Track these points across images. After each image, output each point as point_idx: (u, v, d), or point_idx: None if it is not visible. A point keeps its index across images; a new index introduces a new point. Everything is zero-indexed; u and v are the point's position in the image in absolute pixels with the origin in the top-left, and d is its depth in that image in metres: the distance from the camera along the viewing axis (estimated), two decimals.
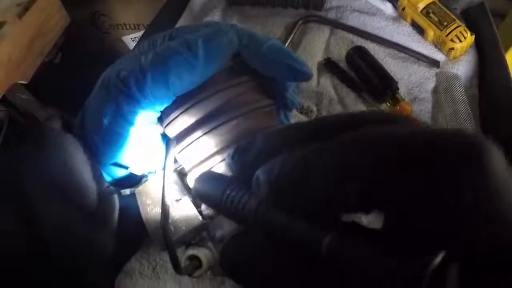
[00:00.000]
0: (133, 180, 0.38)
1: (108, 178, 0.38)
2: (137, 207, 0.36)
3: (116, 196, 0.38)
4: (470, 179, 0.17)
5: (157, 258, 0.49)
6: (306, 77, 0.37)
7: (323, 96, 0.66)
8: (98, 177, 0.35)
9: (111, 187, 0.39)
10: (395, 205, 0.18)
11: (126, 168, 0.37)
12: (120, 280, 0.45)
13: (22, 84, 1.17)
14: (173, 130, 0.36)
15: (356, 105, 0.66)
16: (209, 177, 0.25)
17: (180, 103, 0.35)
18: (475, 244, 0.17)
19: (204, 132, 0.34)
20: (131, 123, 0.34)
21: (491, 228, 0.17)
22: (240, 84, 0.35)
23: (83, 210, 0.32)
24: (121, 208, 0.38)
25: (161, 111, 0.36)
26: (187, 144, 0.35)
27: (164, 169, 0.32)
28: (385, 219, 0.19)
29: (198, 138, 0.34)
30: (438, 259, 0.16)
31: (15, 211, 0.29)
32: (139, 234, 0.40)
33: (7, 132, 1.14)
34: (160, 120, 0.37)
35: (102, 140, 0.35)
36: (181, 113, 0.35)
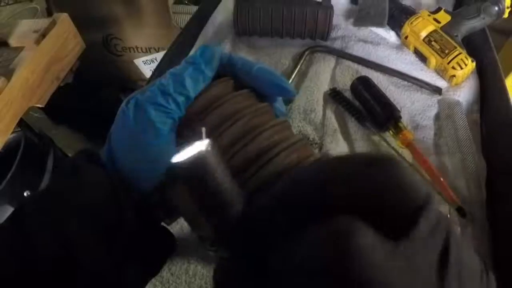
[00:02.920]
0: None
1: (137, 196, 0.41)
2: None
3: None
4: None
5: (170, 280, 0.52)
6: (289, 93, 0.44)
7: (327, 127, 0.68)
8: (126, 206, 0.37)
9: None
10: None
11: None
12: None
13: (39, 107, 1.21)
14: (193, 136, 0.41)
15: (359, 134, 0.68)
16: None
17: (198, 115, 0.41)
18: None
19: (224, 130, 0.40)
20: (163, 135, 0.39)
21: None
22: (243, 94, 0.43)
23: (116, 243, 0.35)
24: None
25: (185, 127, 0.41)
26: None
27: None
28: None
29: (217, 138, 0.39)
30: None
31: (55, 243, 0.32)
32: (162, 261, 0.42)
33: (23, 152, 1.17)
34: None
35: (129, 152, 0.39)
36: (199, 121, 0.41)
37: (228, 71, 0.44)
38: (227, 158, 0.39)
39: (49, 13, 1.71)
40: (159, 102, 0.39)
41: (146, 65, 1.68)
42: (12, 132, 1.16)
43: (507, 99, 0.68)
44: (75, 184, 0.36)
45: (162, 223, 0.43)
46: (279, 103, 0.49)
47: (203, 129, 0.34)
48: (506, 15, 0.82)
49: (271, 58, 0.83)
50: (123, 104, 0.39)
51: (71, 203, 0.34)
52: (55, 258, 0.32)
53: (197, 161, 0.26)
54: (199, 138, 0.33)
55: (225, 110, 0.41)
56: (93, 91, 1.73)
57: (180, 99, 0.40)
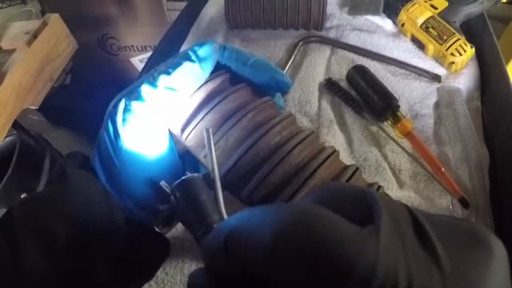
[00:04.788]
0: (159, 201, 0.39)
1: (131, 203, 0.40)
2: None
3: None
4: None
5: (165, 280, 0.51)
6: (286, 86, 0.44)
7: (323, 118, 0.66)
8: (116, 211, 0.37)
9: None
10: None
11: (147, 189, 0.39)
12: None
13: (37, 109, 1.20)
14: (195, 136, 0.40)
15: (356, 125, 0.66)
16: None
17: (198, 112, 0.40)
18: None
19: (228, 128, 0.39)
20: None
21: None
22: (241, 88, 0.42)
23: (106, 249, 0.34)
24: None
25: (183, 124, 0.41)
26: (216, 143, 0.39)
27: (212, 163, 0.35)
28: None
29: (221, 137, 0.39)
30: None
31: (42, 250, 0.31)
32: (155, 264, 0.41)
33: (19, 154, 1.15)
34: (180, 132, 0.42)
35: (119, 159, 0.37)
36: (200, 120, 0.40)
37: (223, 63, 0.43)
38: (235, 159, 0.38)
39: (44, 15, 1.70)
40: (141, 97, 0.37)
41: (142, 63, 1.67)
42: (7, 135, 1.14)
43: (509, 84, 0.66)
44: (62, 191, 0.35)
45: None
46: (278, 98, 0.48)
47: (209, 130, 0.33)
48: None
49: (264, 50, 0.81)
50: (110, 107, 0.38)
51: (59, 210, 0.33)
52: (41, 270, 0.30)
53: (188, 183, 0.32)
54: (203, 138, 0.37)
55: (226, 106, 0.40)
56: (90, 91, 1.72)
57: (171, 97, 0.39)
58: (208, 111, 0.40)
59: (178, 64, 0.39)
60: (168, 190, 0.36)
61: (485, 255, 0.18)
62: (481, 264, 0.18)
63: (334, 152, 0.40)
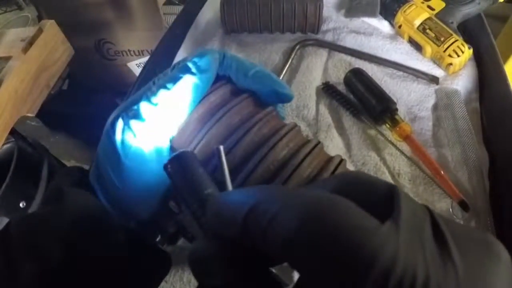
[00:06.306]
0: (159, 221, 0.39)
1: (133, 223, 0.39)
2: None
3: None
4: None
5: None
6: (288, 98, 0.43)
7: (321, 122, 0.66)
8: (116, 229, 0.36)
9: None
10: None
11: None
12: None
13: (30, 115, 1.20)
14: (200, 152, 0.39)
15: (354, 128, 0.66)
16: None
17: (201, 127, 0.39)
18: None
19: (234, 142, 0.38)
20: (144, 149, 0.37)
21: None
22: (244, 100, 0.41)
23: (105, 268, 0.33)
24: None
25: (186, 140, 0.39)
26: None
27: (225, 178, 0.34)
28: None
29: (228, 152, 0.38)
30: None
31: (37, 272, 0.30)
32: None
33: (17, 162, 1.15)
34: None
35: (121, 180, 0.36)
36: (205, 135, 0.38)
37: (223, 73, 0.42)
38: (246, 173, 0.37)
39: (40, 21, 1.70)
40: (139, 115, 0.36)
41: (139, 68, 1.66)
42: (5, 143, 1.14)
43: (507, 85, 0.66)
44: (59, 210, 0.34)
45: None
46: (279, 108, 0.47)
47: (221, 148, 0.32)
48: None
49: (261, 54, 0.81)
50: (108, 125, 0.36)
51: (55, 230, 0.33)
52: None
53: (180, 158, 0.30)
54: (209, 153, 0.37)
55: (230, 120, 0.39)
56: (88, 96, 1.72)
57: (172, 113, 0.37)
58: (212, 126, 0.39)
59: (178, 78, 0.37)
60: (176, 210, 0.35)
61: (495, 261, 0.19)
62: (492, 271, 0.18)
63: (342, 161, 0.40)
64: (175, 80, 0.37)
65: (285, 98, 0.43)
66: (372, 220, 0.18)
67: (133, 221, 0.37)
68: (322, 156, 0.40)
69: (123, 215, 0.37)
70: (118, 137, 0.35)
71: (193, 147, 0.39)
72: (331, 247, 0.18)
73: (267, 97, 0.42)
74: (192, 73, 0.38)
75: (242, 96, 0.41)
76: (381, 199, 0.20)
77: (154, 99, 0.36)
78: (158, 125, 0.37)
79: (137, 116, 0.35)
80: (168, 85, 0.37)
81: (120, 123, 0.35)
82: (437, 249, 0.18)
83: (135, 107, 0.36)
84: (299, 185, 0.36)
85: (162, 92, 0.36)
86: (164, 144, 0.38)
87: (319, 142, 0.41)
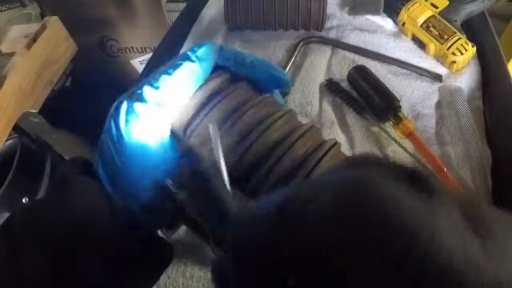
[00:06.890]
0: (162, 203, 0.39)
1: (136, 207, 0.39)
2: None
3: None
4: None
5: (167, 283, 0.52)
6: (286, 82, 0.46)
7: (324, 119, 0.66)
8: (119, 216, 0.36)
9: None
10: None
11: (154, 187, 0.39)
12: None
13: (33, 112, 1.20)
14: (198, 135, 0.41)
15: (357, 125, 0.66)
16: None
17: (199, 111, 0.41)
18: None
19: (231, 125, 0.40)
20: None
21: None
22: (241, 86, 0.43)
23: (108, 255, 0.34)
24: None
25: (186, 123, 0.42)
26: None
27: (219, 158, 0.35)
28: None
29: (225, 133, 0.39)
30: None
31: (43, 257, 0.31)
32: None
33: (20, 158, 1.16)
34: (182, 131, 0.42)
35: (122, 161, 0.37)
36: (203, 119, 0.41)
37: (222, 63, 0.44)
38: (240, 152, 0.39)
39: (43, 18, 1.70)
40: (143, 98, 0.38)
41: (142, 65, 1.66)
42: (8, 139, 1.14)
43: (510, 84, 0.66)
44: (64, 197, 0.35)
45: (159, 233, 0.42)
46: (277, 95, 0.48)
47: (211, 126, 0.33)
48: None
49: (264, 51, 0.81)
50: (112, 109, 0.38)
51: (60, 216, 0.33)
52: (41, 276, 0.30)
53: (198, 172, 0.31)
54: (207, 134, 0.36)
55: (227, 104, 0.41)
56: (91, 93, 1.71)
57: (173, 96, 0.39)
58: (210, 110, 0.40)
59: (178, 65, 0.40)
60: (173, 189, 0.36)
61: None
62: None
63: (336, 143, 0.41)
64: (175, 66, 0.40)
65: (282, 83, 0.45)
66: (411, 201, 0.18)
67: (134, 205, 0.38)
68: (317, 137, 0.41)
69: (124, 199, 0.38)
70: (122, 118, 0.36)
71: (192, 130, 0.41)
72: (374, 225, 0.17)
73: (266, 84, 0.45)
74: (192, 60, 0.40)
75: (240, 83, 0.43)
76: (419, 183, 0.20)
77: (156, 83, 0.38)
78: (160, 108, 0.38)
79: (140, 99, 0.37)
80: (169, 70, 0.39)
81: (124, 106, 0.37)
82: (473, 232, 0.18)
83: (139, 91, 0.38)
84: (292, 162, 0.38)
85: (163, 77, 0.39)
86: (165, 126, 0.40)
87: (313, 126, 0.42)
